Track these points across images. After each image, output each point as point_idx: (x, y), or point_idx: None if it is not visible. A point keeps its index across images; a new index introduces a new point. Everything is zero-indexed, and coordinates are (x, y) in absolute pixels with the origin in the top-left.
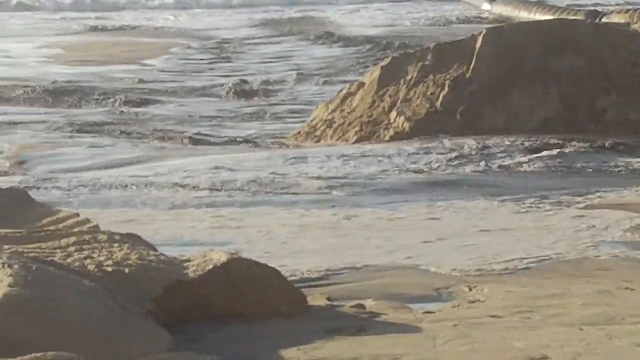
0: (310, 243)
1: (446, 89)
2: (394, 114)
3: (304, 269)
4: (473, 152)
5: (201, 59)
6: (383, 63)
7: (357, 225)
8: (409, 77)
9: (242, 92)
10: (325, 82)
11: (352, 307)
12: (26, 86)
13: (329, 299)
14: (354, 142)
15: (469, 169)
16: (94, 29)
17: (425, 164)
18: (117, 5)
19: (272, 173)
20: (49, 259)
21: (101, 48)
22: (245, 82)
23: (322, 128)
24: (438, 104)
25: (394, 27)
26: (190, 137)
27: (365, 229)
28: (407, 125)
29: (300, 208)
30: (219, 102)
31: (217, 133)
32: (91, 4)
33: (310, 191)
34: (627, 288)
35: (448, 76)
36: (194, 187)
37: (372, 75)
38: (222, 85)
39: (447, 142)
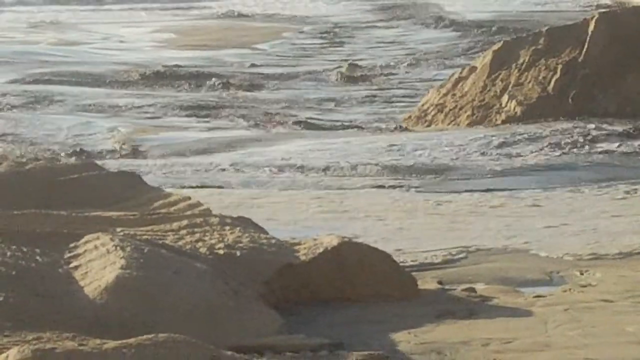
0: (421, 227)
1: (558, 73)
2: (505, 98)
3: (416, 252)
4: (585, 137)
5: (313, 44)
6: (495, 47)
7: (463, 210)
8: (520, 62)
9: (353, 76)
10: (436, 66)
11: (463, 290)
12: (139, 70)
13: (440, 282)
14: (465, 127)
15: (581, 153)
16: (204, 15)
17: (534, 149)
18: None
19: (380, 158)
20: (161, 241)
21: (213, 33)
22: (357, 66)
23: (433, 112)
24: (550, 88)
25: (506, 11)
26: (300, 121)
27: (473, 215)
28: (518, 109)
29: (406, 193)
30: (330, 86)
31: (328, 117)
32: None
33: (415, 176)
34: None
35: (560, 60)
36: (304, 171)
37: (484, 59)
38: (333, 69)
39: (558, 126)
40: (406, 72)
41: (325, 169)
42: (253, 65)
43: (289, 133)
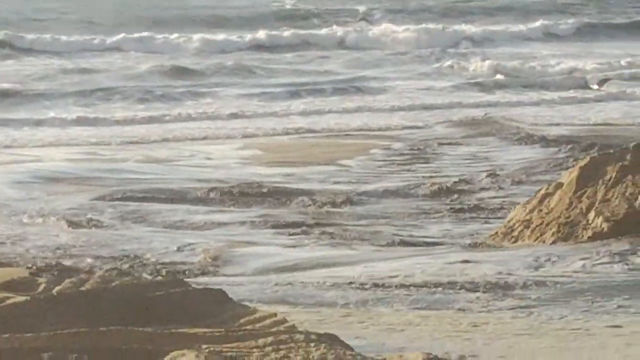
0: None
1: None
2: (592, 214)
3: None
4: None
5: (399, 160)
6: (582, 163)
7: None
8: (607, 178)
9: (440, 191)
10: (522, 182)
11: None
12: (223, 187)
13: None
14: (551, 243)
15: None
16: (297, 130)
17: (623, 266)
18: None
19: (472, 275)
20: (247, 358)
21: (300, 150)
22: (442, 183)
23: (519, 229)
24: (637, 204)
25: (600, 126)
26: (388, 239)
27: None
28: (605, 225)
29: (532, 313)
30: (416, 202)
31: (415, 233)
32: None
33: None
34: None
35: None
36: (394, 288)
37: (570, 175)
38: (419, 185)
39: None
40: (492, 189)
41: (413, 285)
42: (336, 183)
43: (376, 250)
